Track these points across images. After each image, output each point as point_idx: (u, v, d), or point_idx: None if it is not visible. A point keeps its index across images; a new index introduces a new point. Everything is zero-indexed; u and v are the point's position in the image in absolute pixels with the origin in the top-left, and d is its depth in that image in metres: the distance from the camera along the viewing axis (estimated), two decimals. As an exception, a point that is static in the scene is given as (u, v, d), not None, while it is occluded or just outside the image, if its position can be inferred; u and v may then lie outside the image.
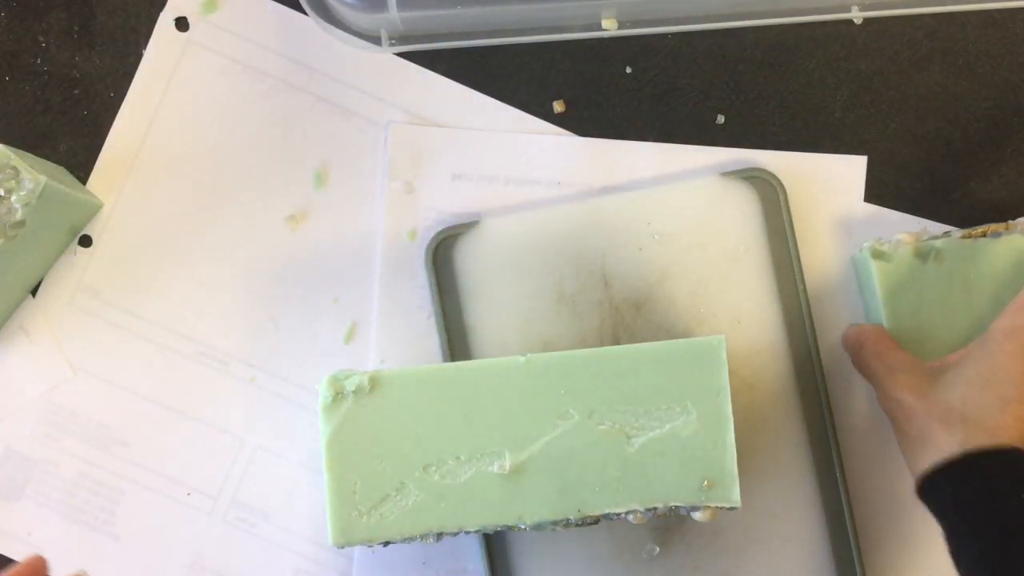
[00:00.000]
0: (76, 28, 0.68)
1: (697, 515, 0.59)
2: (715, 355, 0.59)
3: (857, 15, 0.66)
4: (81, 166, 0.67)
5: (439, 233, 0.65)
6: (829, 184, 0.66)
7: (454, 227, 0.66)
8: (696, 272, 0.65)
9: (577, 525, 0.59)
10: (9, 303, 0.66)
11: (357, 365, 0.66)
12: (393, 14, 0.63)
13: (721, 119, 0.67)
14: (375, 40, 0.66)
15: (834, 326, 0.66)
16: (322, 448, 0.58)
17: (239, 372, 0.67)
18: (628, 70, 0.67)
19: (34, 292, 0.67)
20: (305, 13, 0.66)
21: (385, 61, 0.67)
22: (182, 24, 0.67)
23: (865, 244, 0.63)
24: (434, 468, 0.58)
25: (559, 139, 0.67)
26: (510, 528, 0.58)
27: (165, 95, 0.67)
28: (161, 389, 0.66)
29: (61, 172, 0.66)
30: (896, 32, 0.67)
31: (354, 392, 0.58)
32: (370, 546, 0.60)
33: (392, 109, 0.67)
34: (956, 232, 0.63)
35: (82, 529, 0.66)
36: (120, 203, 0.67)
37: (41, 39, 0.68)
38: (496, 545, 0.65)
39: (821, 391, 0.65)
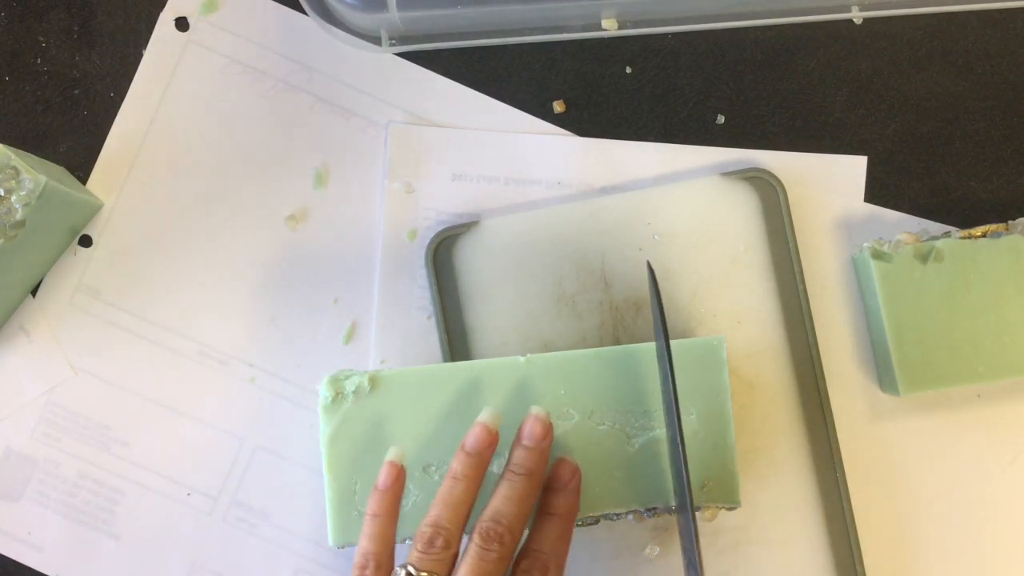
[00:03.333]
0: (76, 28, 0.68)
1: (697, 515, 0.59)
2: (715, 355, 0.59)
3: (857, 15, 0.66)
4: (81, 166, 0.67)
5: (439, 233, 0.65)
6: (829, 184, 0.66)
7: (454, 227, 0.66)
8: (696, 272, 0.65)
9: (577, 525, 0.59)
10: (9, 303, 0.66)
11: (357, 365, 0.66)
12: (393, 14, 0.63)
13: (721, 119, 0.67)
14: (375, 40, 0.66)
15: (834, 326, 0.66)
16: (322, 448, 0.58)
17: (239, 372, 0.67)
18: (628, 70, 0.67)
19: (34, 292, 0.67)
20: (305, 13, 0.66)
21: (385, 61, 0.67)
22: (182, 24, 0.67)
23: (865, 244, 0.63)
24: (434, 468, 0.58)
25: (559, 139, 0.67)
26: (510, 528, 0.58)
27: (165, 95, 0.67)
28: (161, 389, 0.66)
29: (61, 172, 0.66)
30: (896, 32, 0.67)
31: (354, 392, 0.58)
32: (370, 546, 0.60)
33: (392, 109, 0.67)
34: (956, 232, 0.63)
35: (82, 529, 0.66)
36: (120, 203, 0.67)
37: (41, 39, 0.68)
38: (496, 545, 0.65)
39: (821, 391, 0.65)
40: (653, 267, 0.60)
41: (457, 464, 0.55)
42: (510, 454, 0.56)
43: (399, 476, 0.56)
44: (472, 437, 0.55)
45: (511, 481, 0.55)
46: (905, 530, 0.65)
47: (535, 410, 0.57)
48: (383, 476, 0.56)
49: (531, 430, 0.56)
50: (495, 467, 0.58)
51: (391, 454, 0.57)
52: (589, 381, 0.59)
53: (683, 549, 0.56)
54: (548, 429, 0.56)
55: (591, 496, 0.58)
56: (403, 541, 0.58)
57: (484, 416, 0.56)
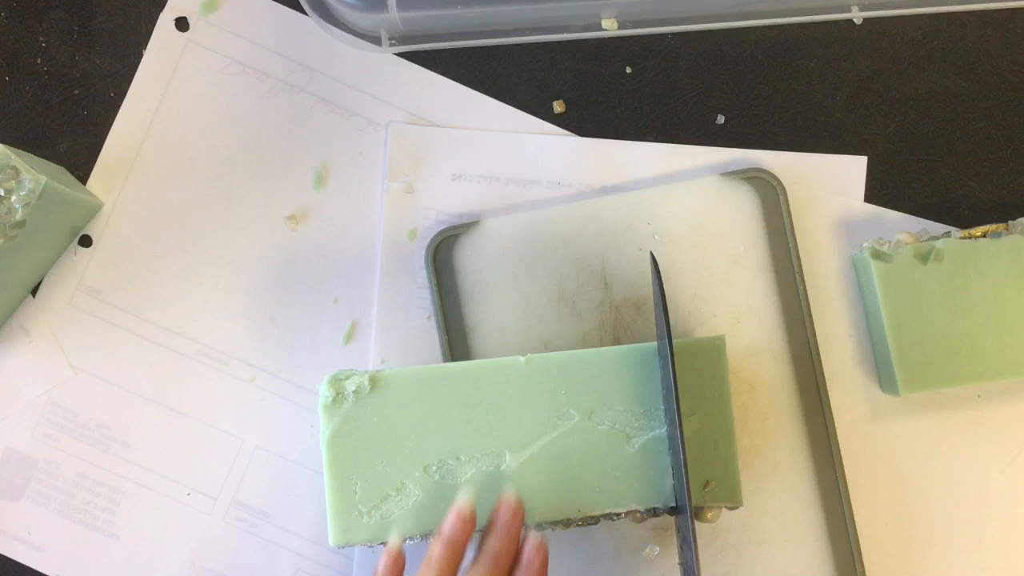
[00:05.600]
0: (76, 28, 0.68)
1: (699, 516, 0.59)
2: (716, 355, 0.59)
3: (857, 15, 0.66)
4: (81, 166, 0.67)
5: (439, 233, 0.65)
6: (829, 184, 0.66)
7: (454, 227, 0.66)
8: (696, 272, 0.65)
9: (577, 525, 0.59)
10: (9, 303, 0.66)
11: (357, 365, 0.66)
12: (393, 14, 0.63)
13: (721, 119, 0.67)
14: (375, 40, 0.66)
15: (834, 326, 0.66)
16: (322, 448, 0.58)
17: (239, 372, 0.67)
18: (628, 70, 0.67)
19: (34, 292, 0.67)
20: (305, 13, 0.66)
21: (385, 61, 0.67)
22: (182, 24, 0.68)
23: (865, 244, 0.63)
24: (434, 468, 0.58)
25: (559, 139, 0.67)
26: (510, 528, 0.58)
27: (165, 95, 0.67)
28: (161, 389, 0.66)
29: (61, 172, 0.66)
30: (896, 32, 0.67)
31: (354, 392, 0.58)
32: (370, 546, 0.60)
33: (392, 109, 0.67)
34: (956, 232, 0.63)
35: (82, 529, 0.66)
36: (120, 203, 0.67)
37: (41, 39, 0.68)
38: (496, 545, 0.65)
39: (821, 391, 0.65)
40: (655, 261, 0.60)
41: (433, 551, 0.55)
42: (482, 539, 0.56)
43: (397, 561, 0.56)
44: (448, 525, 0.56)
45: (485, 566, 0.55)
46: (905, 530, 0.65)
47: (506, 496, 0.57)
48: (382, 566, 0.56)
49: (503, 518, 0.56)
50: (495, 467, 0.58)
51: (392, 542, 0.57)
52: (589, 381, 0.59)
53: (679, 549, 0.56)
54: (520, 514, 0.56)
55: (591, 496, 0.58)
56: (404, 540, 0.58)
57: (460, 501, 0.56)
